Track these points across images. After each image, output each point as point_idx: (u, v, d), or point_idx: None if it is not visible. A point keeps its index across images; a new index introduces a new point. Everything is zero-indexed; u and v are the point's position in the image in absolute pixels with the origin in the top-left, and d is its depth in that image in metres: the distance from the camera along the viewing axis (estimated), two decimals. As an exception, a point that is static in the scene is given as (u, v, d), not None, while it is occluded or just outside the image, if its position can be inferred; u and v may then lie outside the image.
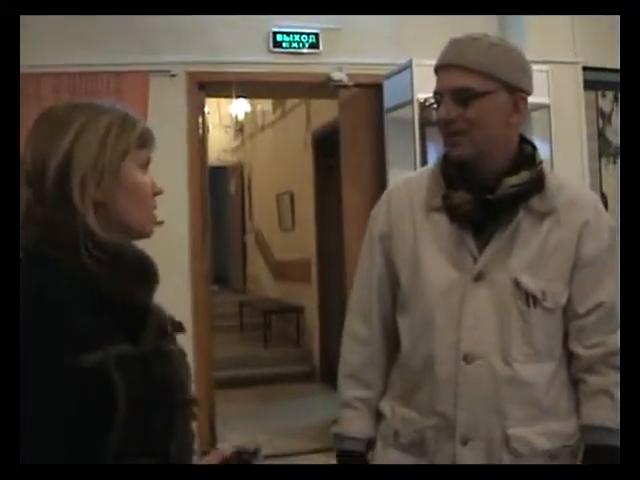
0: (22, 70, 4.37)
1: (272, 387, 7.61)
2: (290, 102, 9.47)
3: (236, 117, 12.06)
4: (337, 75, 5.14)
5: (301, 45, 5.19)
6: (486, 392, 1.79)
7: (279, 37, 5.15)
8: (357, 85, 5.29)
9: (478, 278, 1.81)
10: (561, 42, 5.26)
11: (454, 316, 1.81)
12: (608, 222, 1.91)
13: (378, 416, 1.98)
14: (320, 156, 8.04)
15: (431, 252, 1.85)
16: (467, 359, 1.79)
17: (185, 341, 4.58)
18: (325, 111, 7.21)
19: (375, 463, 1.97)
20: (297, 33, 5.18)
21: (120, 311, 1.26)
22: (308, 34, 5.19)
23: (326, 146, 7.42)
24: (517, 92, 1.80)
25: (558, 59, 5.15)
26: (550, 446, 1.81)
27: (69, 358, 1.16)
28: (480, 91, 1.75)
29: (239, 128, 12.64)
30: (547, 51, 5.15)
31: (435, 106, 1.83)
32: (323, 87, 5.24)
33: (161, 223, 4.57)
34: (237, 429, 5.75)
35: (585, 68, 5.35)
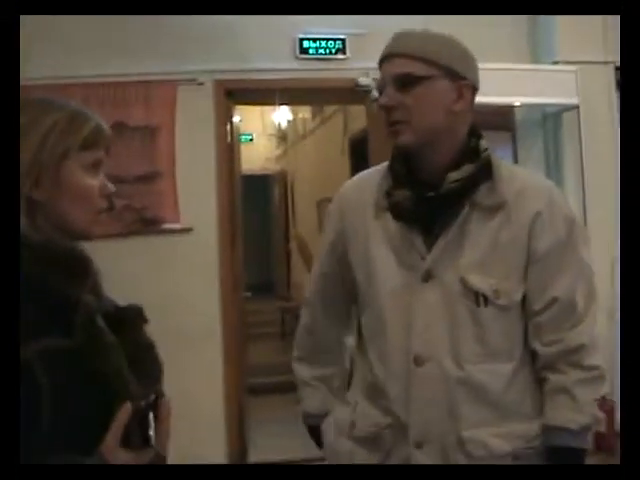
0: (51, 81, 4.53)
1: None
2: (329, 109, 9.49)
3: (279, 125, 12.16)
4: (364, 80, 5.11)
5: (328, 51, 5.19)
6: (438, 394, 1.75)
7: (306, 43, 5.16)
8: (384, 90, 5.25)
9: (427, 278, 1.76)
10: (592, 42, 5.16)
11: (404, 317, 1.78)
12: (565, 213, 1.81)
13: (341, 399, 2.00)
14: (356, 162, 8.03)
15: (382, 252, 1.82)
16: (417, 361, 1.75)
17: (214, 347, 4.62)
18: (362, 117, 7.19)
19: (325, 451, 1.98)
20: (324, 39, 5.19)
21: (50, 306, 1.26)
22: (335, 40, 5.20)
23: (362, 152, 7.41)
24: (460, 79, 1.75)
25: (589, 59, 5.06)
26: (510, 448, 1.75)
27: None
28: (419, 75, 1.72)
29: (282, 136, 12.71)
30: (577, 51, 5.09)
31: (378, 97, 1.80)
32: (351, 93, 5.24)
33: (189, 230, 4.58)
34: (270, 434, 5.77)
35: (618, 68, 5.25)
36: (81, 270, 1.33)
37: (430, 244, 1.77)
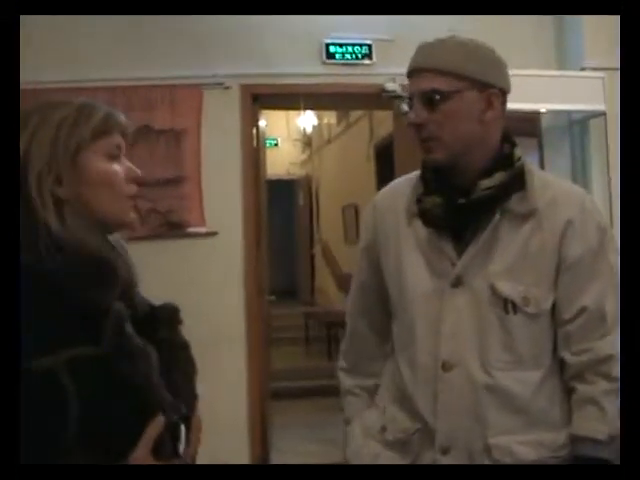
0: (76, 84, 4.55)
1: (332, 399, 7.56)
2: (354, 114, 9.50)
3: (304, 130, 12.20)
4: (390, 86, 5.10)
5: (354, 56, 5.19)
6: (465, 401, 1.74)
7: (332, 48, 5.16)
8: (411, 95, 5.24)
9: (456, 284, 1.76)
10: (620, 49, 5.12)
11: (433, 323, 1.77)
12: (597, 221, 1.79)
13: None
14: (382, 168, 8.04)
15: (412, 258, 1.82)
16: (445, 367, 1.75)
17: (238, 350, 4.61)
18: (388, 122, 7.19)
19: (349, 453, 1.96)
20: (350, 44, 5.18)
21: (78, 313, 1.26)
22: (361, 45, 5.19)
23: (387, 158, 7.41)
24: (488, 88, 1.74)
25: (616, 66, 5.01)
26: (536, 456, 1.74)
27: (23, 362, 1.17)
28: (447, 91, 1.70)
29: (307, 141, 12.75)
30: (604, 58, 5.04)
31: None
32: (377, 98, 5.22)
33: (214, 234, 4.59)
34: (293, 439, 5.78)
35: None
36: (110, 278, 1.32)
37: (460, 250, 1.77)
